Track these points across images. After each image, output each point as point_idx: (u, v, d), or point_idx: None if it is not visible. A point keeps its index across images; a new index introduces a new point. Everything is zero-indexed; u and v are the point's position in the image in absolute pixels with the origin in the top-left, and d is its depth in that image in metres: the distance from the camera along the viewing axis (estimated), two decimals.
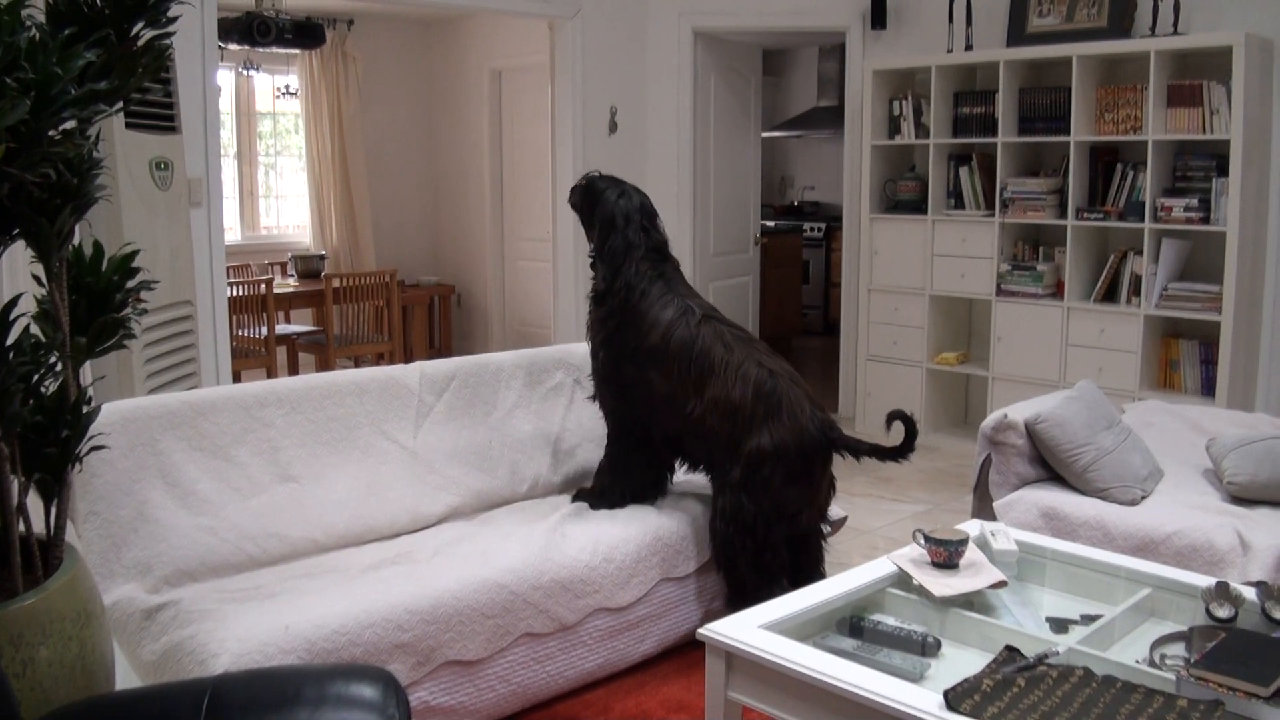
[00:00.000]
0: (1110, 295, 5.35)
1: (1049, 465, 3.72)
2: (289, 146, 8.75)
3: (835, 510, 3.82)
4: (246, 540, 3.08)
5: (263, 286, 6.05)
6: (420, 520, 3.43)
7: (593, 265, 3.66)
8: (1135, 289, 5.22)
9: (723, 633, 2.26)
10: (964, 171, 5.85)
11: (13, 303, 1.93)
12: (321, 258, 7.39)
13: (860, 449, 3.37)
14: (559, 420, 3.93)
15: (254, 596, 2.82)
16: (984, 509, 3.76)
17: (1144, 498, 3.55)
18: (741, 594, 3.40)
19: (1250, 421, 4.16)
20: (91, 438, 2.21)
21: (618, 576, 3.24)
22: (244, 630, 2.57)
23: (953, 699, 2.01)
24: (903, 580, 2.63)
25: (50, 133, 1.84)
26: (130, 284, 2.30)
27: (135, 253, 2.31)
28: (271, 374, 6.25)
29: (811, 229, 9.96)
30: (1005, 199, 5.61)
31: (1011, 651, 2.23)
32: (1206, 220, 4.93)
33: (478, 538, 3.27)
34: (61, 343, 2.07)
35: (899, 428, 3.29)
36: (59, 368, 2.08)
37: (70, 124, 1.90)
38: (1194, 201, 4.93)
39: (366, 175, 8.41)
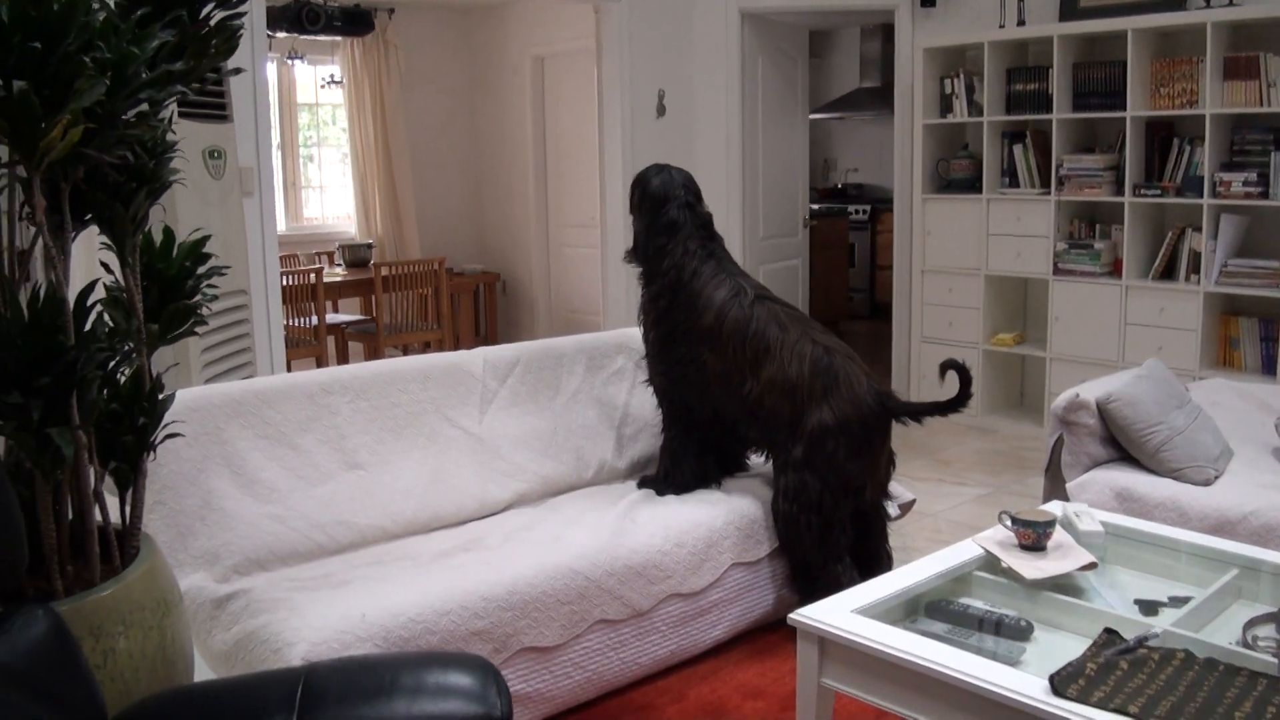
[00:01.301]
0: (1168, 273, 5.25)
1: (1120, 446, 3.64)
2: (327, 137, 8.75)
3: (904, 492, 3.77)
4: (315, 528, 3.06)
5: (312, 276, 6.05)
6: (488, 507, 3.41)
7: (635, 249, 3.63)
8: (1194, 266, 5.11)
9: (816, 618, 2.21)
10: (1018, 149, 5.75)
11: (90, 288, 1.91)
12: (369, 246, 7.38)
13: (919, 410, 3.36)
14: (621, 404, 3.89)
15: (325, 585, 2.80)
16: (1056, 490, 3.69)
17: (1217, 477, 3.47)
18: (806, 574, 3.38)
19: None
20: (165, 425, 2.20)
21: (689, 561, 3.20)
22: (319, 619, 2.56)
23: (1059, 683, 1.96)
24: (990, 563, 2.58)
25: (124, 115, 1.82)
26: (201, 270, 2.29)
27: (206, 238, 2.29)
28: (322, 363, 6.24)
29: (857, 211, 9.86)
30: (1061, 176, 5.51)
31: (1110, 634, 2.17)
32: (1265, 195, 4.81)
33: (547, 523, 3.24)
34: (137, 330, 2.06)
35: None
36: (133, 356, 2.06)
37: (143, 107, 1.87)
38: (1252, 176, 4.82)
39: (410, 164, 8.40)
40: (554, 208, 8.61)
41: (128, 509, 2.11)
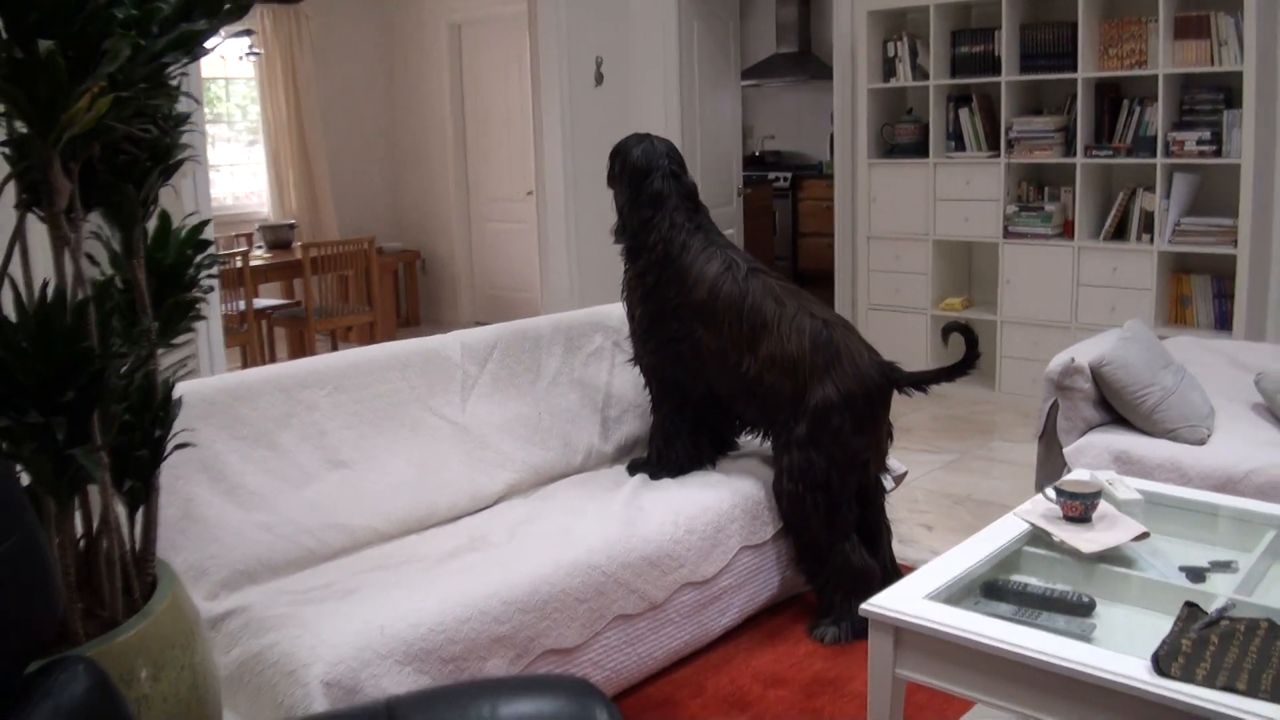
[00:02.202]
0: (1120, 233, 5.28)
1: (1111, 408, 3.62)
2: (227, 113, 8.28)
3: (897, 464, 3.69)
4: (304, 534, 2.84)
5: (239, 260, 5.70)
6: (480, 500, 3.23)
7: (621, 224, 3.46)
8: (1145, 226, 5.15)
9: (891, 607, 2.10)
10: (964, 113, 5.72)
11: (108, 284, 1.67)
12: (291, 227, 7.02)
13: (924, 380, 3.28)
14: (603, 386, 3.73)
15: (329, 596, 2.59)
16: (1052, 456, 3.65)
17: (1209, 436, 3.47)
18: (813, 554, 3.29)
19: None
20: (176, 435, 1.97)
21: (701, 548, 3.07)
22: (334, 634, 2.36)
23: (1163, 663, 1.88)
24: (1039, 538, 2.50)
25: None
26: (200, 259, 2.06)
27: (205, 223, 2.06)
28: (250, 352, 5.91)
29: (779, 179, 9.80)
30: (1011, 139, 5.50)
31: (1192, 608, 2.10)
32: (1219, 153, 4.86)
33: (549, 516, 3.07)
34: (147, 330, 1.82)
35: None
36: (149, 360, 1.83)
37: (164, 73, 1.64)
38: (1205, 134, 4.86)
39: (325, 139, 8.03)
40: (475, 182, 8.34)
41: (138, 532, 1.88)
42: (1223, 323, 4.98)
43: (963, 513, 4.30)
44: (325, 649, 2.31)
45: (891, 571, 3.50)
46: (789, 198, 9.82)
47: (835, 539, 3.23)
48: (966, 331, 3.22)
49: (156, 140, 1.64)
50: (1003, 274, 5.63)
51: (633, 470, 3.48)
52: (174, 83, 1.68)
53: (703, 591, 3.09)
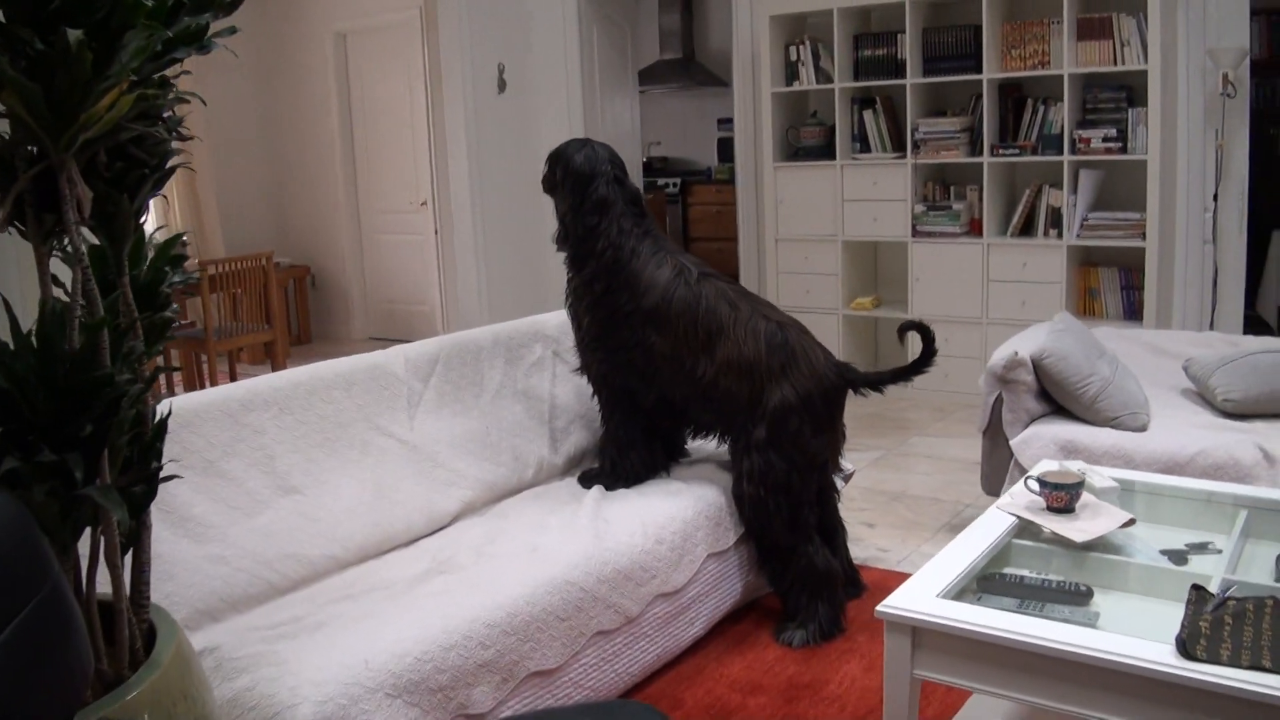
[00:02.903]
0: (1027, 229, 5.42)
1: (1051, 399, 3.69)
2: None
3: (846, 464, 3.69)
4: (262, 566, 2.67)
5: None
6: (437, 520, 3.09)
7: (563, 231, 3.38)
8: (1053, 221, 5.30)
9: (907, 607, 2.06)
10: (869, 115, 5.80)
11: (114, 303, 1.51)
12: (183, 244, 6.67)
13: (882, 380, 3.29)
14: (547, 396, 3.63)
15: (300, 630, 2.43)
16: (997, 449, 3.70)
17: (1149, 422, 3.57)
18: (776, 558, 3.25)
19: (1203, 340, 4.27)
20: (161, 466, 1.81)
21: (670, 558, 3.00)
22: (315, 672, 2.21)
23: (1188, 646, 1.90)
24: (1027, 530, 2.51)
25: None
26: (177, 277, 1.91)
27: (178, 236, 1.91)
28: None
29: (667, 185, 9.81)
30: (917, 140, 5.59)
31: (1199, 591, 2.13)
32: (1124, 150, 5.03)
33: (511, 534, 2.96)
34: (139, 354, 1.67)
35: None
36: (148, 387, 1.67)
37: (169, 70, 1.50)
38: (1111, 132, 5.03)
39: (209, 152, 7.68)
40: (365, 194, 8.11)
41: (128, 575, 1.72)
42: (1131, 313, 5.15)
43: (901, 509, 4.34)
44: (308, 688, 2.17)
45: (849, 571, 3.51)
46: (679, 203, 9.84)
47: (798, 541, 3.21)
48: (923, 330, 3.24)
49: (158, 145, 1.49)
50: (912, 272, 5.72)
51: (586, 482, 3.40)
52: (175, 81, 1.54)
53: (673, 602, 3.02)
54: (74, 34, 1.11)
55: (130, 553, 1.72)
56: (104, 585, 1.71)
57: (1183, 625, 1.98)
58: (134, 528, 1.65)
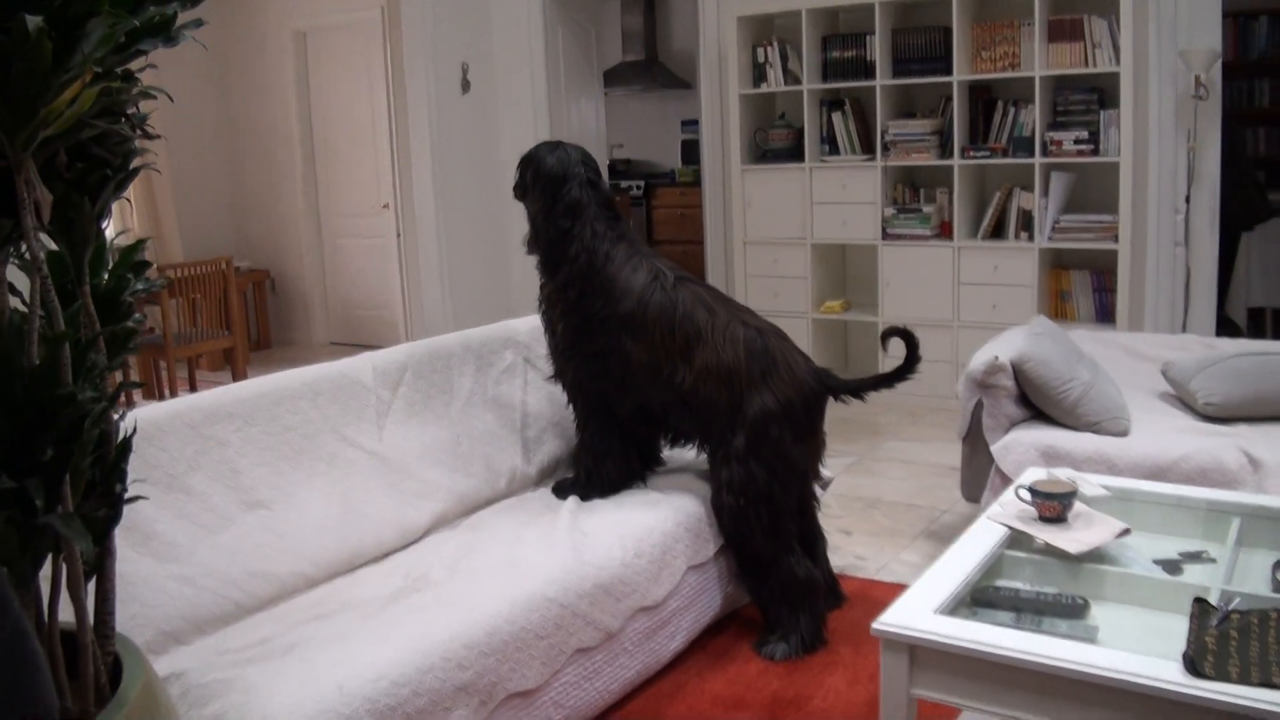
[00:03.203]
0: (998, 232, 5.40)
1: (1031, 404, 3.65)
2: None
3: (825, 472, 3.63)
4: (228, 585, 2.56)
5: None
6: (408, 534, 2.99)
7: (535, 236, 3.30)
8: (1024, 224, 5.28)
9: (904, 625, 1.99)
10: (838, 117, 5.76)
11: (76, 314, 1.41)
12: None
13: (863, 387, 3.24)
14: (519, 404, 3.54)
15: (270, 654, 2.32)
16: (978, 455, 3.66)
17: (1129, 427, 3.54)
18: (756, 569, 3.19)
19: (1179, 343, 4.25)
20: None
21: (649, 571, 2.92)
22: (287, 698, 2.10)
23: (1196, 663, 1.84)
24: (1019, 541, 2.45)
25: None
26: (140, 285, 1.80)
27: (141, 242, 1.80)
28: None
29: (631, 187, 9.73)
30: (886, 142, 5.55)
31: (1202, 604, 2.08)
32: (1096, 152, 5.02)
33: (487, 547, 2.87)
34: (103, 369, 1.56)
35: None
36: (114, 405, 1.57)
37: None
38: (1083, 134, 5.01)
39: (166, 155, 7.50)
40: (326, 196, 7.96)
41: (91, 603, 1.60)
42: (1103, 315, 5.14)
43: (878, 516, 4.29)
44: (281, 715, 2.06)
45: (830, 581, 3.45)
46: (643, 206, 9.76)
47: (778, 552, 3.14)
48: (907, 337, 3.18)
49: (122, 143, 1.39)
50: (882, 275, 5.68)
51: (560, 493, 3.31)
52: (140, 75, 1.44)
53: (653, 616, 2.94)
54: (33, 21, 1.01)
55: (94, 580, 1.61)
56: (65, 613, 1.62)
57: (1188, 641, 1.93)
58: (98, 554, 1.54)
